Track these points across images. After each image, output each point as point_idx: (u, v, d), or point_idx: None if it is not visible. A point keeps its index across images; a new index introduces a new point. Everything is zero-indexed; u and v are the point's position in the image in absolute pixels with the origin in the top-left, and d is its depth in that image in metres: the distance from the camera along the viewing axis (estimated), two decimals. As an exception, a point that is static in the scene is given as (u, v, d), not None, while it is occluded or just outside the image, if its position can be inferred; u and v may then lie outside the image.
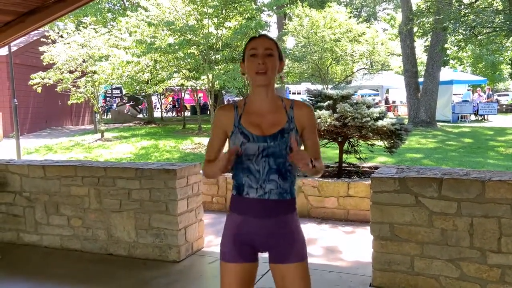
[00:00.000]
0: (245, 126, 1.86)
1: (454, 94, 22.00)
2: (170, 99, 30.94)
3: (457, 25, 14.24)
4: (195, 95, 19.27)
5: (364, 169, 6.55)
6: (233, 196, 1.92)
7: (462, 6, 14.77)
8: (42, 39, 14.75)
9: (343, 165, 6.44)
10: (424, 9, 16.82)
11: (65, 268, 4.12)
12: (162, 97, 27.46)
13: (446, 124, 18.02)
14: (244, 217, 1.87)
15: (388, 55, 21.71)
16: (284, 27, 20.68)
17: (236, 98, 32.90)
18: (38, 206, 4.67)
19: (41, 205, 4.66)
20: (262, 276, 3.30)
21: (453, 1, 15.23)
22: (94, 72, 13.80)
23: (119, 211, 4.29)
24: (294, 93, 30.33)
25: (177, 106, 22.40)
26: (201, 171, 4.58)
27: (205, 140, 13.13)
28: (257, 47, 1.83)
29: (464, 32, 14.78)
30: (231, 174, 1.95)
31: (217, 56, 11.75)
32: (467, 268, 3.15)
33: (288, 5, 22.46)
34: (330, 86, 19.21)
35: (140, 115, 25.91)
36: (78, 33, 14.57)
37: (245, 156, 1.83)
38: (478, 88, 24.57)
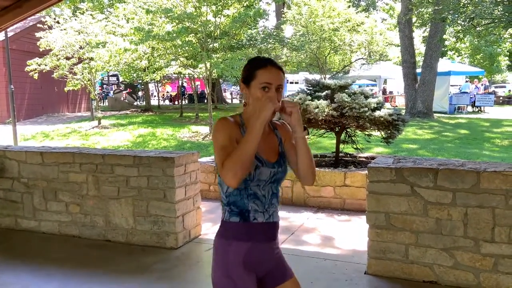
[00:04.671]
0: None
1: (451, 85, 22.02)
2: (169, 88, 30.81)
3: (456, 16, 14.21)
4: (193, 83, 19.21)
5: (361, 159, 6.59)
6: (235, 224, 1.78)
7: (461, -3, 14.70)
8: (38, 25, 14.63)
9: (340, 155, 6.47)
10: (423, -1, 16.73)
11: (64, 253, 4.16)
12: (160, 85, 27.37)
13: (443, 115, 18.08)
14: (251, 244, 1.78)
15: (387, 45, 21.69)
16: (283, 15, 20.57)
17: (234, 88, 32.82)
18: (36, 192, 4.69)
19: (39, 191, 4.68)
20: None
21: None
22: (91, 59, 13.71)
23: (117, 198, 4.31)
24: (292, 83, 30.24)
25: (182, 94, 22.32)
26: (199, 160, 4.60)
27: (202, 129, 13.13)
28: (272, 82, 1.76)
29: (462, 23, 14.74)
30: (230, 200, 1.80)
31: (215, 44, 11.70)
32: (460, 257, 3.20)
33: (287, -6, 22.28)
34: (328, 76, 19.20)
35: (137, 103, 25.83)
36: (75, 19, 14.44)
37: (256, 181, 1.77)
38: (475, 80, 24.57)
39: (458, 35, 16.33)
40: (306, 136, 1.81)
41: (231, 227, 1.79)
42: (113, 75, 28.24)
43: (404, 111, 16.28)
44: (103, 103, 25.72)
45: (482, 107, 20.97)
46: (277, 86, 1.77)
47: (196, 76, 14.66)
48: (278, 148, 1.87)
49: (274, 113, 1.70)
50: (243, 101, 1.91)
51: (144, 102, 23.91)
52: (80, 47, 14.14)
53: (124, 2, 13.70)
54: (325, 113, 5.73)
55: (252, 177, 1.75)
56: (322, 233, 4.62)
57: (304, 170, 1.82)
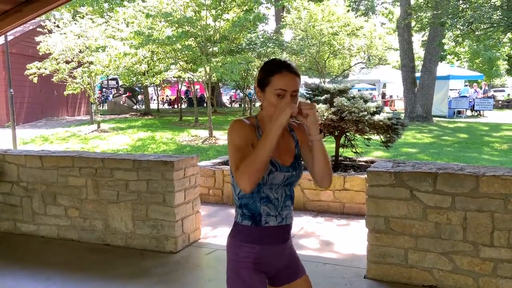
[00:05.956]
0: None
1: (450, 89, 22.07)
2: (168, 91, 30.82)
3: (455, 20, 14.25)
4: (192, 87, 19.23)
5: (360, 163, 6.59)
6: (246, 227, 1.79)
7: (460, 1, 14.76)
8: (38, 29, 14.64)
9: (340, 159, 6.48)
10: (422, 3, 16.80)
11: (62, 257, 4.15)
12: (159, 88, 27.39)
13: (442, 119, 18.11)
14: (262, 246, 1.79)
15: (386, 50, 21.72)
16: (282, 20, 20.63)
17: (233, 91, 32.86)
18: (35, 196, 4.69)
19: (38, 195, 4.67)
20: None
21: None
22: (91, 63, 13.73)
23: (117, 202, 4.31)
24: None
25: (186, 98, 22.48)
26: (198, 164, 4.60)
27: (202, 132, 13.13)
28: (287, 89, 1.73)
29: (461, 28, 14.79)
30: (242, 203, 1.79)
31: (214, 49, 11.72)
32: (460, 261, 3.20)
33: (287, -2, 22.36)
34: (327, 80, 19.24)
35: (136, 106, 25.83)
36: (75, 23, 14.46)
37: (269, 184, 1.76)
38: (475, 84, 24.64)
39: (457, 39, 16.40)
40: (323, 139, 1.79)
41: (242, 230, 1.80)
42: (112, 79, 28.19)
43: (403, 115, 16.28)
44: (103, 107, 25.71)
45: (481, 111, 21.01)
46: (293, 92, 1.74)
47: (195, 80, 14.67)
48: (294, 150, 1.85)
49: (292, 117, 1.68)
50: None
51: (144, 105, 23.91)
52: (80, 51, 14.15)
53: (124, 6, 13.73)
54: (325, 117, 5.74)
55: (265, 181, 1.74)
56: (322, 237, 4.61)
57: (320, 173, 1.80)
